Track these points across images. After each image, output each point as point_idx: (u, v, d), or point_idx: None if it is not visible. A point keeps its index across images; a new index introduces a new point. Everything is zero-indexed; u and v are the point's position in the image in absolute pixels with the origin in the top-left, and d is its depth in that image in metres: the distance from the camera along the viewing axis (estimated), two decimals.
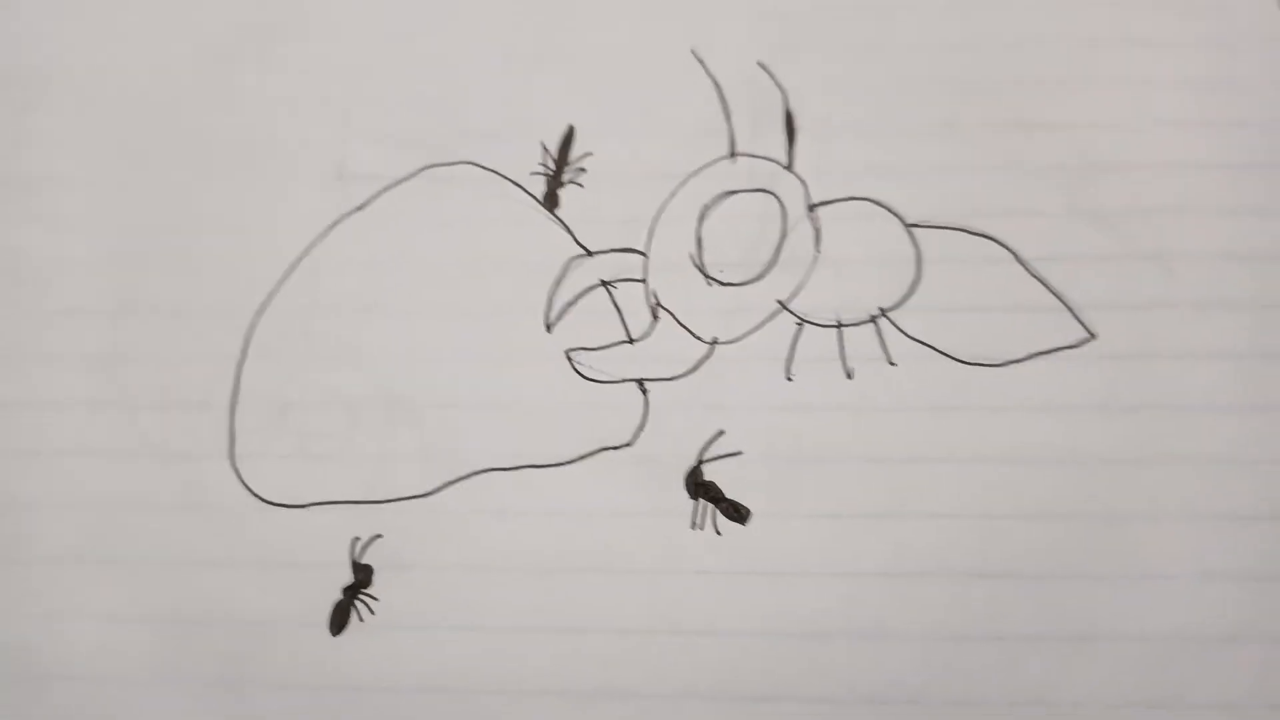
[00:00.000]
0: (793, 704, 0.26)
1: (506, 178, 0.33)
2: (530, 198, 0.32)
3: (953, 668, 0.27)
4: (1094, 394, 0.29)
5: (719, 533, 0.28)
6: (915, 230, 0.31)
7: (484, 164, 0.33)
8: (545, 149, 0.33)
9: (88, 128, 0.35)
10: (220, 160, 0.34)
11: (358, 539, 0.29)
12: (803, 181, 0.32)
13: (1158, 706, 0.26)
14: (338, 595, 0.28)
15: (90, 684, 0.28)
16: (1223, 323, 0.29)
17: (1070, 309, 0.30)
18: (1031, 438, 0.28)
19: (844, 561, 0.28)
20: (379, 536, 0.29)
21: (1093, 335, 0.29)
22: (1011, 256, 0.30)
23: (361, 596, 0.28)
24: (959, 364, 0.29)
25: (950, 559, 0.27)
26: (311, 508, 0.29)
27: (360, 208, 0.33)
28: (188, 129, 0.34)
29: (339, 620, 0.28)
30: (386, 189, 0.33)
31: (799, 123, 0.32)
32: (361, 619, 0.28)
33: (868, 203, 0.31)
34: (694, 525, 0.28)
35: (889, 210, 0.31)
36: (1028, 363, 0.29)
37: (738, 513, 0.28)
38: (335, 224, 0.32)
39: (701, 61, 0.33)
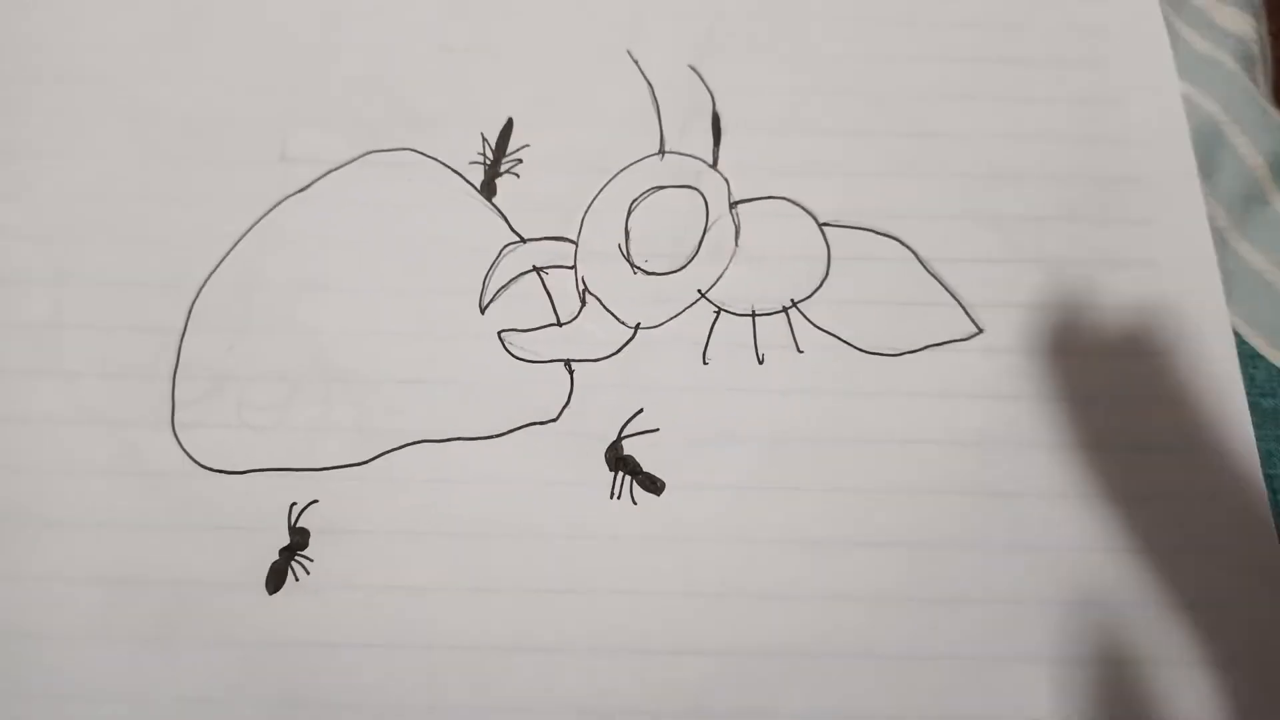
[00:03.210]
0: (695, 658, 0.28)
1: (446, 165, 0.34)
2: (469, 185, 0.34)
3: (839, 625, 0.29)
4: (980, 384, 0.31)
5: (635, 502, 0.30)
6: (826, 229, 0.33)
7: (424, 151, 0.35)
8: (485, 139, 0.35)
9: (34, 97, 0.35)
10: (166, 135, 0.35)
11: (294, 504, 0.30)
12: (725, 180, 0.34)
13: (1013, 659, 0.29)
14: (275, 557, 0.29)
15: (31, 642, 0.28)
16: (1095, 321, 0.32)
17: (962, 305, 0.32)
18: (922, 422, 0.31)
19: (746, 530, 0.30)
20: (315, 502, 0.30)
21: (980, 330, 0.32)
22: (912, 256, 0.33)
23: (298, 558, 0.29)
24: (860, 353, 0.32)
25: (841, 528, 0.30)
26: (251, 474, 0.30)
27: (303, 189, 0.34)
28: (137, 103, 0.35)
29: (275, 580, 0.29)
30: (329, 172, 0.34)
31: (724, 124, 0.35)
32: (297, 579, 0.29)
33: (785, 201, 0.34)
34: (613, 495, 0.30)
35: (803, 209, 0.34)
36: (921, 353, 0.32)
37: (653, 484, 0.30)
38: (278, 204, 0.34)
39: (636, 62, 0.35)
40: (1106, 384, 0.31)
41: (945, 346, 0.32)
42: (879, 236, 0.33)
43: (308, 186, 0.34)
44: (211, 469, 0.31)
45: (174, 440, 0.31)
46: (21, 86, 0.35)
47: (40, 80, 0.36)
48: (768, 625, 0.29)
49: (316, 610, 0.29)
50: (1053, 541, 0.29)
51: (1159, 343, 0.32)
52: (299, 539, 0.30)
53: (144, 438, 0.31)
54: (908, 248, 0.33)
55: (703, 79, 0.35)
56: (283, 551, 0.29)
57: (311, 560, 0.29)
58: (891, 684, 0.28)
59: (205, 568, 0.30)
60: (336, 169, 0.34)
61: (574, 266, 0.33)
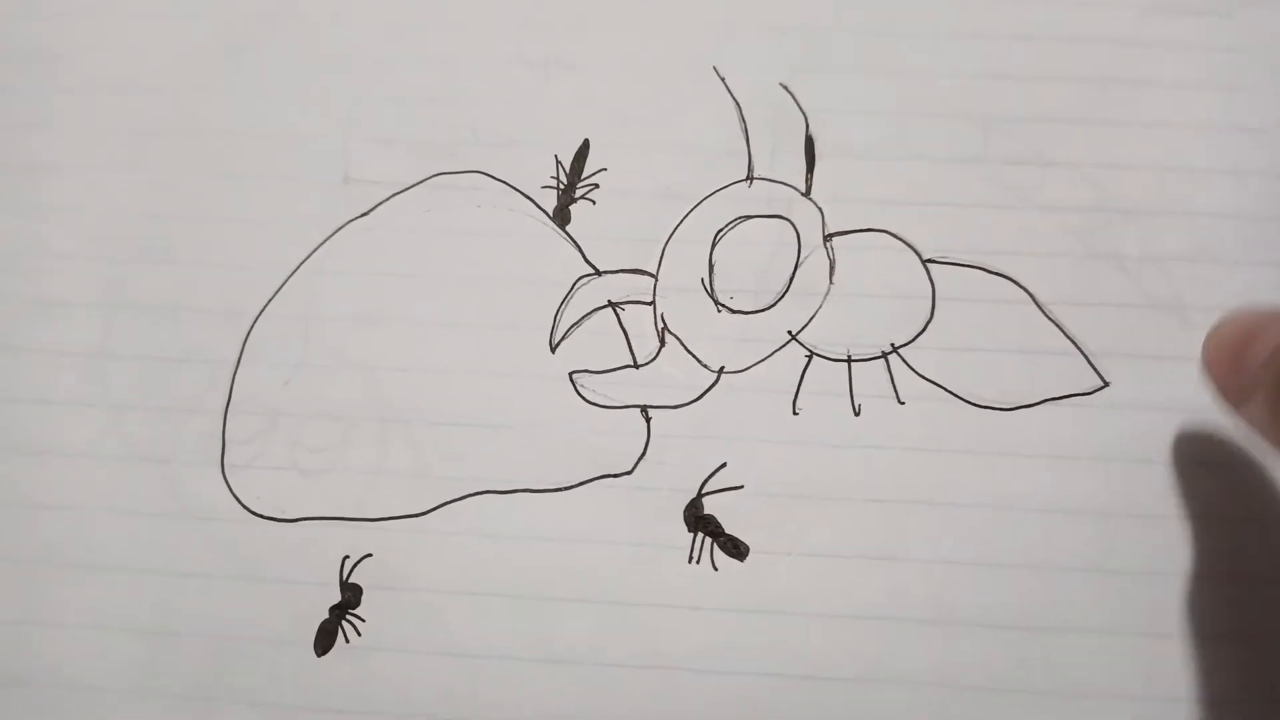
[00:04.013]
0: None
1: (517, 190, 0.32)
2: (541, 212, 0.32)
3: (941, 714, 0.26)
4: (1105, 444, 0.28)
5: (715, 568, 0.27)
6: (931, 265, 0.30)
7: (494, 174, 0.32)
8: (559, 162, 0.32)
9: (90, 116, 0.34)
10: (223, 157, 0.33)
11: (347, 558, 0.28)
12: (820, 209, 0.31)
13: None
14: (323, 614, 0.27)
15: (66, 691, 0.27)
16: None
17: (1085, 355, 0.29)
18: (1037, 486, 0.28)
19: (840, 603, 0.27)
20: (369, 555, 0.28)
21: (1106, 383, 0.29)
22: (1029, 297, 0.30)
23: (349, 617, 0.27)
24: (968, 405, 0.29)
25: (947, 605, 0.27)
26: (301, 522, 0.29)
27: (365, 214, 0.32)
28: (193, 123, 0.34)
29: (325, 641, 0.27)
30: (393, 195, 0.32)
31: (819, 148, 0.32)
32: (348, 639, 0.27)
33: (885, 234, 0.31)
34: (691, 559, 0.27)
35: (906, 244, 0.31)
36: (1038, 408, 0.28)
37: (736, 548, 0.27)
38: (338, 230, 0.32)
39: (723, 79, 0.33)
40: (1238, 451, 0.28)
41: (1065, 401, 0.28)
42: (991, 275, 0.30)
43: (370, 211, 0.32)
44: (261, 515, 0.29)
45: (223, 482, 0.29)
46: (72, 98, 0.34)
47: (93, 92, 0.34)
48: (864, 713, 0.26)
49: (367, 675, 0.27)
50: (1180, 627, 0.26)
51: None
52: (351, 596, 0.27)
53: (191, 477, 0.29)
54: (1023, 288, 0.30)
55: (796, 99, 0.32)
56: (333, 610, 0.27)
57: (364, 620, 0.27)
58: None
59: (250, 622, 0.28)
60: (401, 192, 0.32)
61: (653, 302, 0.30)
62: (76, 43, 0.35)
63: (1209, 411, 0.28)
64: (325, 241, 0.32)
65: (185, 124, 0.33)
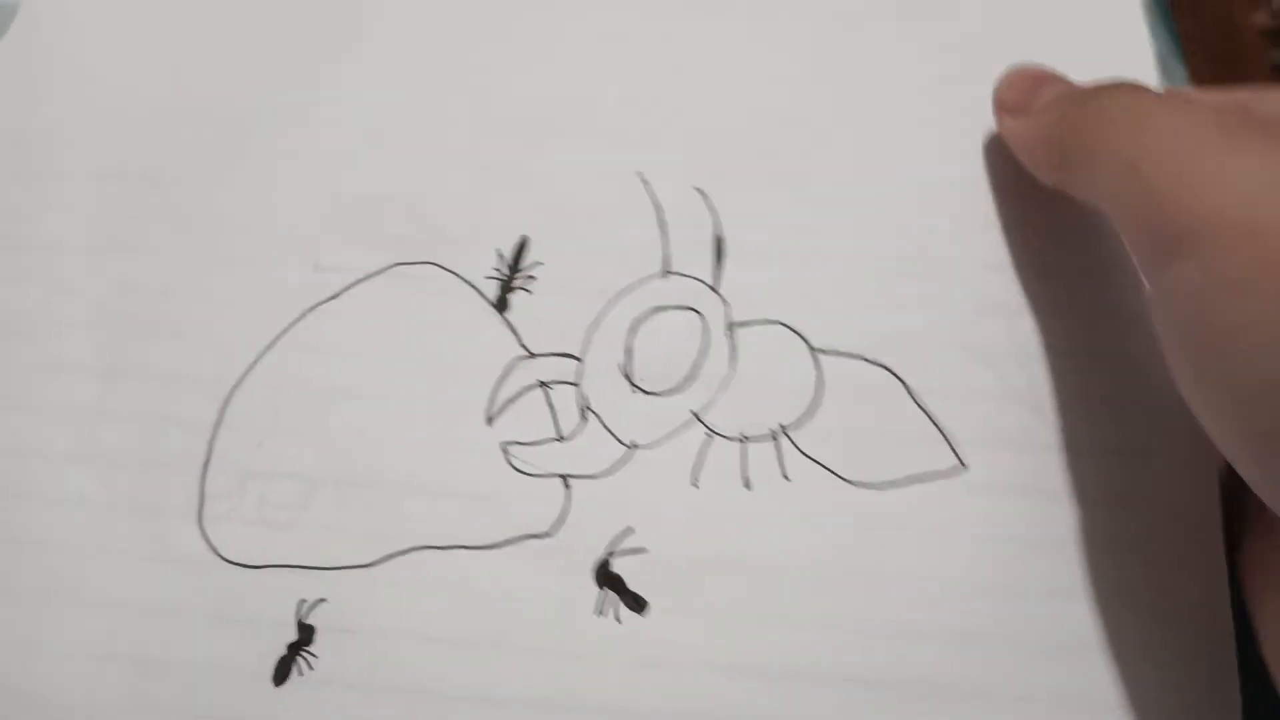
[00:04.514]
0: None
1: (464, 279, 0.37)
2: (483, 299, 0.36)
3: None
4: (962, 523, 0.32)
5: (619, 621, 0.32)
6: (819, 355, 0.35)
7: (445, 265, 0.37)
8: (500, 255, 0.37)
9: (89, 196, 0.39)
10: (214, 241, 0.38)
11: (304, 600, 0.32)
12: (725, 301, 0.36)
13: None
14: (283, 650, 0.32)
15: (57, 713, 0.31)
16: (1085, 464, 0.33)
17: (947, 439, 0.33)
18: (907, 558, 0.32)
19: (730, 658, 0.31)
20: (323, 600, 0.32)
21: (964, 466, 0.33)
22: (901, 386, 0.34)
23: (303, 653, 0.32)
24: (845, 483, 0.33)
25: (825, 663, 0.31)
26: (266, 569, 0.33)
27: (333, 297, 0.37)
28: (187, 209, 0.38)
29: (281, 673, 0.32)
30: (357, 282, 0.37)
31: (727, 247, 0.36)
32: (301, 673, 0.32)
33: (780, 326, 0.35)
34: (598, 612, 0.32)
35: (798, 334, 0.35)
36: (908, 489, 0.33)
37: (637, 603, 0.32)
38: (309, 310, 0.36)
39: (646, 184, 0.37)
40: (1093, 532, 0.32)
41: (932, 483, 0.33)
42: (870, 365, 0.34)
43: (338, 295, 0.37)
44: (232, 561, 0.33)
45: (200, 532, 0.33)
46: (75, 183, 0.39)
47: (99, 178, 0.39)
48: None
49: (318, 706, 0.31)
50: (1041, 690, 0.30)
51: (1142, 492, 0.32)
52: (304, 635, 0.32)
53: (173, 528, 0.34)
54: (897, 377, 0.34)
55: (708, 202, 0.37)
56: (290, 646, 0.32)
57: (316, 656, 0.32)
58: None
59: (222, 656, 0.32)
60: (364, 279, 0.37)
61: (577, 383, 0.35)
62: (82, 129, 0.40)
63: (1059, 498, 0.32)
64: (297, 321, 0.36)
65: (177, 212, 0.38)
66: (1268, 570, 0.29)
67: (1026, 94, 0.34)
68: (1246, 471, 0.25)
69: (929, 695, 0.30)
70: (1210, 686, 0.30)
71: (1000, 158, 0.37)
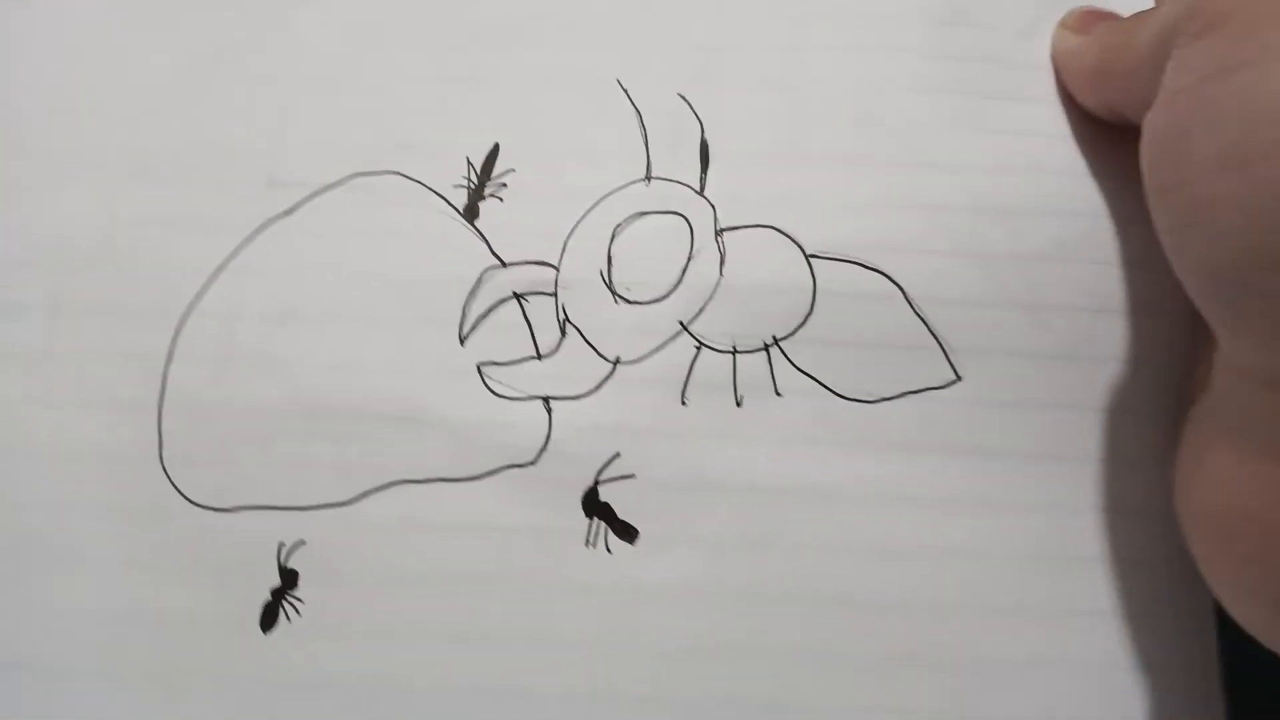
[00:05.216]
0: (663, 713, 0.29)
1: (430, 188, 0.34)
2: (451, 208, 0.34)
3: (812, 683, 0.29)
4: (957, 437, 0.31)
5: (610, 551, 0.30)
6: (814, 260, 0.33)
7: (409, 175, 0.34)
8: (470, 164, 0.34)
9: (23, 125, 0.35)
10: (156, 163, 0.34)
11: (282, 544, 0.31)
12: (713, 206, 0.33)
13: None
14: (266, 595, 0.30)
15: (34, 674, 0.30)
16: (1084, 376, 0.31)
17: (944, 350, 0.32)
18: (900, 477, 0.31)
19: (722, 585, 0.30)
20: (302, 542, 0.31)
21: (959, 378, 0.32)
22: (899, 293, 0.32)
23: (288, 598, 0.30)
24: (838, 398, 0.31)
25: (817, 585, 0.30)
26: (238, 511, 0.31)
27: (287, 212, 0.34)
28: (131, 130, 0.35)
29: (268, 619, 0.30)
30: (314, 195, 0.34)
31: (713, 151, 0.34)
32: (289, 619, 0.30)
33: (772, 230, 0.33)
34: (588, 543, 0.31)
35: (791, 239, 0.33)
36: (897, 401, 0.31)
37: (627, 533, 0.30)
38: (262, 228, 0.34)
39: (625, 90, 0.34)
40: (1092, 444, 0.31)
41: (925, 395, 0.31)
42: (867, 271, 0.32)
43: (292, 210, 0.34)
44: (200, 504, 0.31)
45: (163, 474, 0.32)
46: (13, 115, 0.35)
47: (31, 106, 0.35)
48: (735, 682, 0.29)
49: (308, 651, 0.30)
50: (1042, 602, 0.30)
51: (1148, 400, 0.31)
52: (288, 579, 0.30)
53: (133, 471, 0.32)
54: (895, 283, 0.32)
55: (691, 106, 0.34)
56: (274, 592, 0.30)
57: (302, 601, 0.30)
58: None
59: (203, 605, 0.30)
60: (321, 192, 0.34)
61: (555, 294, 0.33)
62: (13, 59, 0.36)
63: (1057, 408, 0.31)
64: (247, 240, 0.34)
65: (124, 137, 0.35)
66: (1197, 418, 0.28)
67: (1094, 21, 0.33)
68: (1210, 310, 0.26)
69: (924, 612, 0.30)
70: (1195, 591, 0.30)
71: (1011, 55, 0.34)
